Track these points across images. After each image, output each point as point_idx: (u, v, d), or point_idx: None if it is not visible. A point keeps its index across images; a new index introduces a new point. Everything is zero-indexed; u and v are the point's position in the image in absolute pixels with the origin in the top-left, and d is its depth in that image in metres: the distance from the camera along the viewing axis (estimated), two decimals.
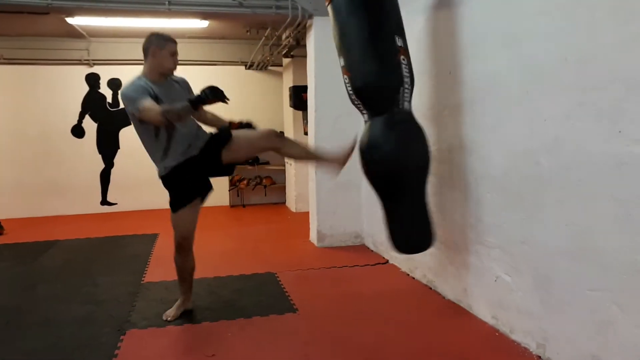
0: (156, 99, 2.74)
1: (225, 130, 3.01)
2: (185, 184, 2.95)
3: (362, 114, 3.02)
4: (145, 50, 2.84)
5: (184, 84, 3.04)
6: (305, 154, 3.33)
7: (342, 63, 2.97)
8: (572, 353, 2.24)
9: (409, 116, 2.93)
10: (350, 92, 2.96)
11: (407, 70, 2.84)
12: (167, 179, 2.95)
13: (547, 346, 2.39)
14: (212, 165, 2.97)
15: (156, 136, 2.83)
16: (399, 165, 2.84)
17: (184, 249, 3.02)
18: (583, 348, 2.18)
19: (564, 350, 2.30)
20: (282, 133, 3.11)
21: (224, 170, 3.11)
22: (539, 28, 2.36)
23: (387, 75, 2.83)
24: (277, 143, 3.03)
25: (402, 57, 2.82)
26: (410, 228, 3.01)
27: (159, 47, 2.81)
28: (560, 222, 2.27)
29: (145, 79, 2.80)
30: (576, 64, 2.15)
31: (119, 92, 2.85)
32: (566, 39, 2.20)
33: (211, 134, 3.04)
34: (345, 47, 2.92)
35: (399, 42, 2.84)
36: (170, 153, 2.88)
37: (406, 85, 2.85)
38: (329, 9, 2.98)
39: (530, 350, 2.50)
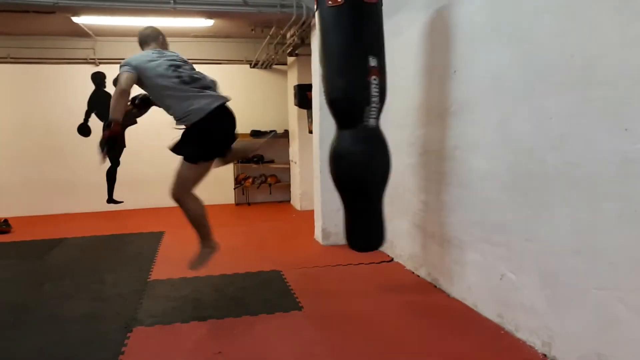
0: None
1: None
2: (216, 135, 3.10)
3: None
4: (141, 43, 3.34)
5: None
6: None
7: (320, 72, 3.10)
8: (578, 351, 2.24)
9: (372, 132, 3.02)
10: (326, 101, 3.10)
11: (377, 90, 2.91)
12: (201, 123, 2.99)
13: (553, 344, 2.39)
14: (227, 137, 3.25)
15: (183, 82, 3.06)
16: (356, 177, 3.06)
17: (189, 194, 3.09)
18: (589, 346, 2.18)
19: (569, 349, 2.29)
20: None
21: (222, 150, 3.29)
22: (544, 25, 2.36)
23: (354, 94, 2.93)
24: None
25: (373, 77, 2.88)
26: (366, 229, 3.25)
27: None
28: (566, 219, 2.27)
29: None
30: (582, 61, 2.14)
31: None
32: (572, 37, 2.19)
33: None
34: (323, 57, 3.03)
35: (373, 63, 2.88)
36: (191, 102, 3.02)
37: (373, 105, 2.93)
38: (316, 14, 3.04)
39: (536, 348, 2.50)
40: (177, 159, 3.10)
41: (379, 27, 3.02)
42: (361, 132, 3.00)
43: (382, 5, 3.06)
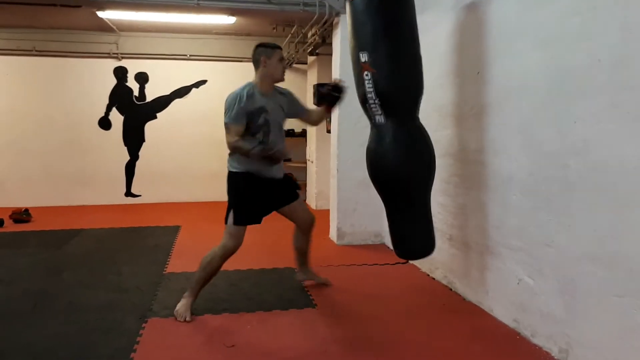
0: (261, 110, 2.93)
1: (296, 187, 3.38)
2: (259, 193, 3.04)
3: None
4: (255, 62, 3.00)
5: (289, 96, 3.18)
6: (302, 253, 3.51)
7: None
8: (596, 359, 2.20)
9: (375, 130, 2.95)
10: None
11: (371, 86, 2.80)
12: (243, 179, 2.99)
13: (570, 351, 2.36)
14: (286, 195, 3.24)
15: (253, 135, 2.96)
16: (372, 173, 3.01)
17: (230, 256, 3.04)
18: (607, 354, 2.14)
19: (587, 356, 2.26)
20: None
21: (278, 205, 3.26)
22: (571, 28, 2.33)
23: (359, 96, 2.93)
24: (309, 230, 3.42)
25: (365, 72, 2.80)
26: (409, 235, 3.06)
27: (267, 56, 2.96)
28: (588, 226, 2.24)
29: (254, 87, 2.95)
30: (609, 66, 2.11)
31: (229, 94, 2.95)
32: (599, 40, 2.16)
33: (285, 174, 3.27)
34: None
35: (363, 58, 2.80)
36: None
37: (371, 102, 2.83)
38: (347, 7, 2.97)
39: (552, 354, 2.47)
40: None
41: (368, 21, 2.84)
42: (372, 131, 2.99)
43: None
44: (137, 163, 7.41)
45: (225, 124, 2.90)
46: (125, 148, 7.38)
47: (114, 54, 7.13)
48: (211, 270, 3.02)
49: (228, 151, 3.03)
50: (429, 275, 3.84)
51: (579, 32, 2.28)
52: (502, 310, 2.92)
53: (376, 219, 4.81)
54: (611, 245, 2.12)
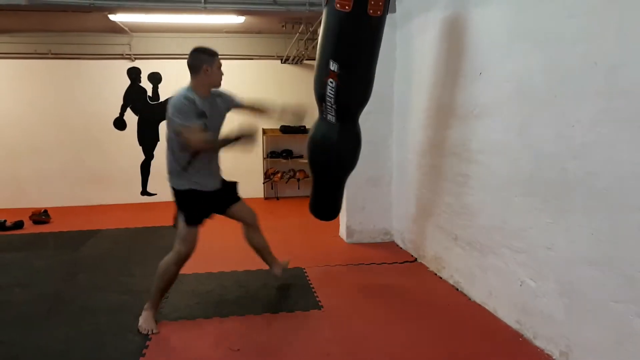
0: (202, 115, 2.88)
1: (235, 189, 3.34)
2: (207, 205, 3.08)
3: None
4: (194, 67, 2.92)
5: (223, 95, 3.15)
6: (261, 249, 3.53)
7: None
8: None
9: (329, 125, 3.33)
10: None
11: (332, 92, 3.13)
12: (189, 195, 2.98)
13: (570, 354, 2.36)
14: (228, 198, 3.26)
15: (185, 150, 2.89)
16: (311, 158, 3.53)
17: (185, 261, 3.04)
18: (606, 359, 2.15)
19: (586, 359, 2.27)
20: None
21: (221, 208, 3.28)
22: (569, 31, 2.31)
23: (316, 88, 3.28)
24: (255, 223, 3.44)
25: (330, 80, 3.10)
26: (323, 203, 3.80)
27: (209, 65, 2.92)
28: (586, 229, 2.23)
29: (193, 93, 2.89)
30: (605, 69, 2.09)
31: (169, 102, 2.88)
32: (596, 43, 2.14)
33: (223, 179, 3.24)
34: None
35: (333, 67, 3.06)
36: (195, 169, 2.96)
37: (328, 104, 3.20)
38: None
39: (553, 357, 2.48)
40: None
41: (345, 33, 3.00)
42: (320, 123, 3.40)
43: (365, 16, 2.94)
44: (152, 162, 7.54)
45: (184, 126, 2.75)
46: (140, 148, 7.50)
47: (127, 55, 7.24)
48: (168, 279, 3.01)
49: (181, 166, 2.93)
50: (436, 274, 3.85)
51: (576, 35, 2.26)
52: (505, 311, 2.93)
53: (385, 217, 4.84)
54: (608, 250, 2.11)
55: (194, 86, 2.93)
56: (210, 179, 3.07)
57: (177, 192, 3.00)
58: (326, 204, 3.81)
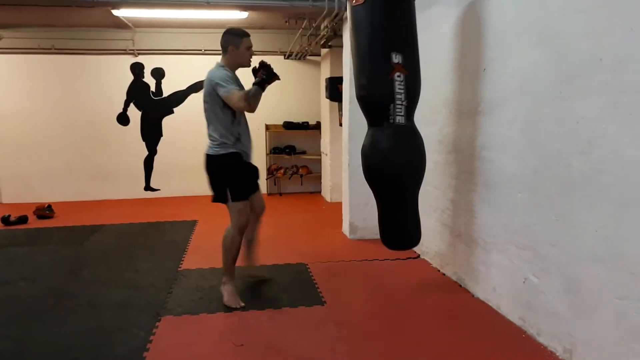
0: (239, 85, 3.14)
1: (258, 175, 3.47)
2: (250, 177, 3.31)
3: None
4: (223, 47, 3.15)
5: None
6: (250, 241, 3.57)
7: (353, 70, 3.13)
8: None
9: (401, 129, 2.95)
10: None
11: (402, 87, 2.86)
12: (236, 162, 3.15)
13: (574, 351, 2.36)
14: (253, 184, 3.38)
15: (232, 122, 3.12)
16: (382, 175, 3.03)
17: (245, 228, 3.23)
18: (610, 356, 2.15)
19: (590, 357, 2.26)
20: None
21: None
22: (575, 27, 2.30)
23: (375, 92, 2.92)
24: (261, 214, 3.52)
25: (397, 74, 2.85)
26: (400, 228, 3.22)
27: (235, 45, 3.13)
28: (590, 226, 2.23)
29: (226, 70, 3.12)
30: (611, 65, 2.08)
31: (208, 76, 3.08)
32: (602, 39, 2.13)
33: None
34: (352, 56, 3.07)
35: (396, 59, 2.84)
36: (242, 141, 3.18)
37: (398, 102, 2.88)
38: (348, 12, 3.02)
39: (557, 354, 2.48)
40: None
41: (405, 23, 2.95)
42: (387, 130, 2.96)
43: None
44: (156, 157, 7.55)
45: (229, 91, 2.97)
46: (144, 143, 7.51)
47: (130, 50, 7.24)
48: (237, 247, 3.21)
49: (212, 140, 3.13)
50: (439, 270, 3.85)
51: (583, 30, 2.24)
52: (508, 308, 2.93)
53: None
54: (613, 246, 2.11)
55: (224, 64, 3.16)
56: (249, 150, 3.26)
57: (214, 159, 3.11)
58: (413, 224, 3.23)
